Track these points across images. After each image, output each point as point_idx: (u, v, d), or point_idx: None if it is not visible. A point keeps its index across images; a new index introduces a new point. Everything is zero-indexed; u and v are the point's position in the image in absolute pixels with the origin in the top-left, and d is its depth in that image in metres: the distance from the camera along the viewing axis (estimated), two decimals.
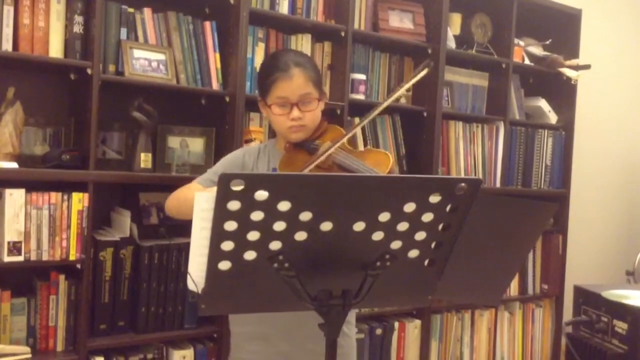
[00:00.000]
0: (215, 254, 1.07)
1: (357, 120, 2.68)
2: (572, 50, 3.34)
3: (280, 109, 1.71)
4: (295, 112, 1.69)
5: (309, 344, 1.71)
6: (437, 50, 2.80)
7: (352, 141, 1.88)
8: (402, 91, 1.73)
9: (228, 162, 1.85)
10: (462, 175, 2.95)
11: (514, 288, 3.23)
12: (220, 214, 1.02)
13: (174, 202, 1.82)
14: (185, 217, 1.77)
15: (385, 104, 1.69)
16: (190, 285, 1.13)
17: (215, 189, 1.02)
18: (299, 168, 1.65)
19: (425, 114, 2.83)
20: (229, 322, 1.85)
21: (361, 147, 2.67)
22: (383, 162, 1.64)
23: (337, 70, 2.58)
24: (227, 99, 2.32)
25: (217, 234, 1.05)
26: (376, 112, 1.71)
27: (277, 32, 2.49)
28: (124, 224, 2.19)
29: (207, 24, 2.34)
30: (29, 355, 1.97)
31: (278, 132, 1.80)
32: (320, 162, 1.64)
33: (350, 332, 1.83)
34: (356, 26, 2.61)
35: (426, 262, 1.21)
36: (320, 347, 1.70)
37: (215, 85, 2.34)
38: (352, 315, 1.85)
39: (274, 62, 1.74)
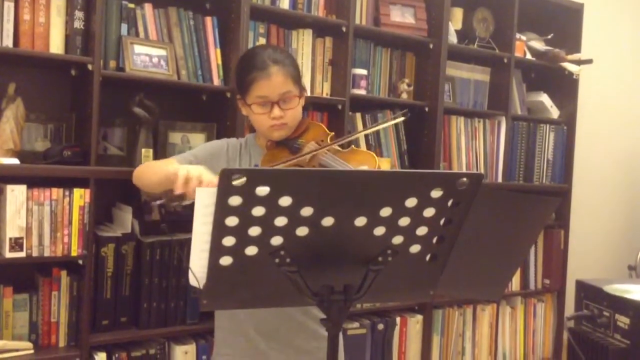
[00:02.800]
0: (216, 250, 1.07)
1: (358, 115, 2.68)
2: (574, 44, 3.33)
3: (260, 108, 1.68)
4: (276, 111, 1.66)
5: (295, 339, 1.71)
6: (438, 45, 2.79)
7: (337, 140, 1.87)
8: (374, 129, 1.74)
9: (210, 150, 1.80)
10: (464, 170, 2.95)
11: (515, 283, 3.23)
12: (222, 209, 1.02)
13: (144, 169, 1.76)
14: (149, 189, 1.73)
15: (363, 133, 1.69)
16: (192, 281, 1.13)
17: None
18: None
19: (426, 109, 2.83)
20: (214, 316, 1.84)
21: (363, 146, 2.67)
22: (367, 162, 1.62)
23: (339, 66, 2.57)
24: (228, 94, 2.32)
25: (219, 230, 1.05)
26: (354, 136, 1.70)
27: (278, 27, 2.49)
28: (125, 220, 2.19)
29: (208, 20, 2.34)
30: (31, 351, 1.98)
31: (259, 131, 1.78)
32: (303, 161, 1.62)
33: None
34: (357, 21, 2.61)
35: (428, 257, 1.21)
36: (307, 343, 1.71)
37: (216, 81, 2.33)
38: None
39: (251, 60, 1.70)
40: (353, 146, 1.77)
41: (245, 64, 1.73)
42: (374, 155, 1.67)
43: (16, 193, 1.92)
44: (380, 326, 2.70)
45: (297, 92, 1.71)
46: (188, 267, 1.12)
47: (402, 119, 1.69)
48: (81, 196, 2.02)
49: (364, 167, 1.59)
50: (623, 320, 2.27)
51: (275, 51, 1.73)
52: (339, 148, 1.70)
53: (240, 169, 1.01)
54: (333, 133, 1.75)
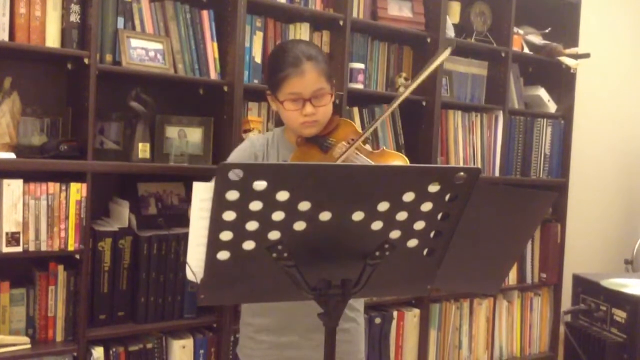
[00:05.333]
0: (214, 244, 1.07)
1: (355, 110, 2.67)
2: (571, 38, 3.33)
3: (292, 104, 1.65)
4: (309, 108, 1.64)
5: (316, 334, 1.71)
6: (436, 39, 2.79)
7: (367, 140, 1.83)
8: (425, 75, 1.66)
9: (239, 157, 1.78)
10: (461, 165, 2.95)
11: (512, 277, 3.24)
12: (219, 203, 1.02)
13: None
14: None
15: (407, 92, 1.62)
16: (189, 276, 1.13)
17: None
18: None
19: (424, 103, 2.82)
20: (241, 312, 1.84)
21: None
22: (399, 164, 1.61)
23: (336, 60, 2.57)
24: (225, 88, 2.31)
25: (216, 224, 1.04)
26: (399, 100, 1.65)
27: (275, 21, 2.48)
28: (122, 214, 2.18)
29: (205, 13, 2.33)
30: (28, 346, 1.98)
31: (289, 127, 1.75)
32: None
33: (359, 319, 1.83)
34: (355, 15, 2.60)
35: (425, 252, 1.21)
36: None
37: (213, 75, 2.33)
38: (360, 304, 1.86)
39: (284, 56, 1.66)
40: (384, 147, 1.75)
41: (277, 59, 1.69)
42: (404, 156, 1.65)
43: (12, 187, 1.92)
44: (378, 320, 2.71)
45: (329, 89, 1.68)
46: (185, 262, 1.12)
47: (449, 50, 1.62)
48: (78, 190, 2.02)
49: None
50: (620, 314, 2.28)
51: (308, 47, 1.70)
52: (370, 149, 1.67)
53: (237, 163, 1.01)
54: (367, 133, 1.72)
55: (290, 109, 1.66)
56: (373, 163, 1.61)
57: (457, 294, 3.01)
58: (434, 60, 1.59)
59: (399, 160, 1.64)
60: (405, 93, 1.62)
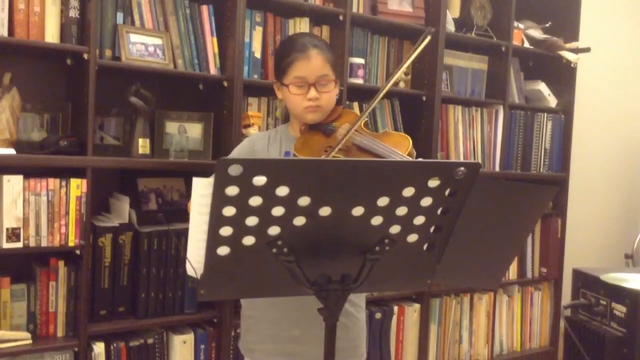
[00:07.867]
0: (213, 240, 1.07)
1: (355, 105, 2.67)
2: (572, 33, 3.32)
3: (297, 89, 1.71)
4: (313, 92, 1.70)
5: (317, 328, 1.71)
6: (436, 34, 2.78)
7: (369, 125, 1.85)
8: (408, 62, 1.70)
9: (239, 155, 1.81)
10: (461, 160, 2.95)
11: (512, 271, 3.24)
12: (219, 199, 1.02)
13: None
14: None
15: (394, 78, 1.66)
16: (189, 271, 1.13)
17: None
18: (316, 151, 1.66)
19: (424, 98, 2.82)
20: (241, 306, 1.85)
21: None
22: (402, 144, 1.64)
23: (336, 55, 2.55)
24: (225, 83, 2.31)
25: (216, 220, 1.04)
26: (388, 85, 1.67)
27: (274, 15, 2.47)
28: (122, 210, 2.18)
29: (204, 8, 2.32)
30: (30, 341, 1.98)
31: (293, 114, 1.78)
32: (341, 146, 1.64)
33: (360, 315, 1.84)
34: (355, 9, 2.59)
35: (425, 247, 1.21)
36: None
37: (213, 70, 2.32)
38: (361, 299, 1.87)
39: (291, 44, 1.75)
40: (387, 129, 1.78)
41: (285, 47, 1.77)
42: (407, 136, 1.68)
43: (13, 183, 1.92)
44: (378, 315, 2.71)
45: (333, 76, 1.74)
46: (185, 257, 1.12)
47: (428, 38, 1.66)
48: (78, 186, 2.02)
49: (398, 150, 1.60)
50: (619, 309, 2.28)
51: (314, 38, 1.80)
52: (373, 131, 1.71)
53: (236, 158, 1.01)
54: (367, 119, 1.75)
55: (295, 93, 1.72)
56: (379, 142, 1.63)
57: (458, 289, 3.01)
58: (416, 49, 1.63)
59: (402, 139, 1.67)
60: (392, 79, 1.67)
